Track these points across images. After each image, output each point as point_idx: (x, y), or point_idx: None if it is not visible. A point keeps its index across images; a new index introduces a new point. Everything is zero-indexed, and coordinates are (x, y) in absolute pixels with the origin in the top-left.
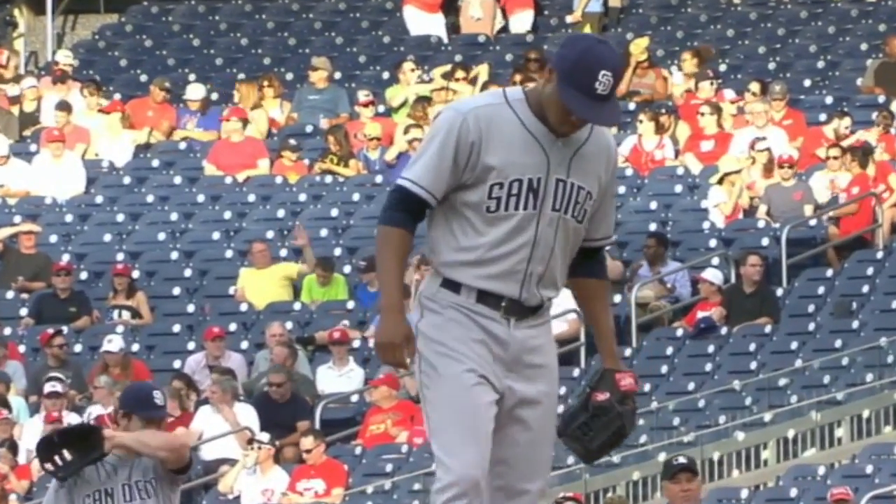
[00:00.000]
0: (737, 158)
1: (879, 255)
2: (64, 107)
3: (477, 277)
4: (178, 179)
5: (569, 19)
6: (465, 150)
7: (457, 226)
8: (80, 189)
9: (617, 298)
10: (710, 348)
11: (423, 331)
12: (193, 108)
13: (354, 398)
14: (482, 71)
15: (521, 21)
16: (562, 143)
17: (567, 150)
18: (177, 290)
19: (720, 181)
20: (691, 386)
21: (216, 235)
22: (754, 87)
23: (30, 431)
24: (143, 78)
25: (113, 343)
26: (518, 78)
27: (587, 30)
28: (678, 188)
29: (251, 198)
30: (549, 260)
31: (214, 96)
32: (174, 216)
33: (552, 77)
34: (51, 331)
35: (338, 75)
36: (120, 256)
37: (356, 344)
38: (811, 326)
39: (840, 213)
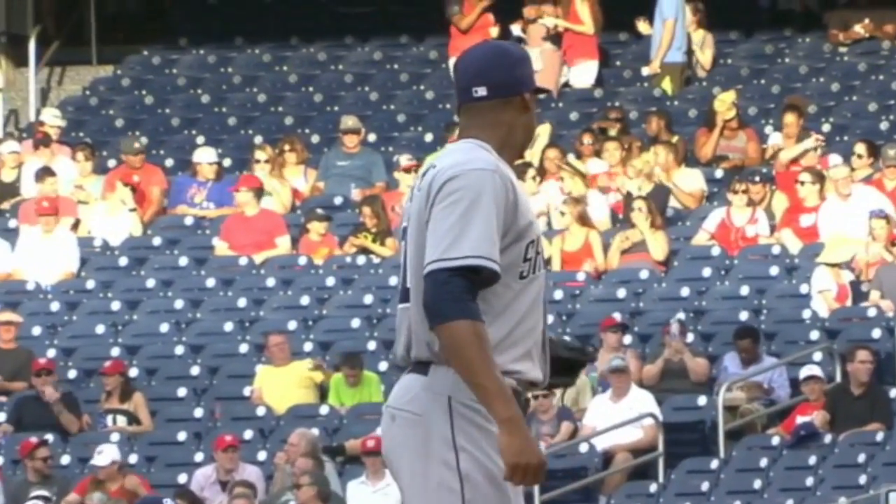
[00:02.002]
0: (845, 238)
1: None
2: (45, 174)
3: (511, 362)
4: (183, 260)
5: (645, 71)
6: (508, 210)
7: (480, 302)
8: (71, 271)
9: (702, 401)
10: (812, 459)
11: (466, 447)
12: (207, 176)
13: None
14: (542, 132)
15: (583, 74)
16: None
17: None
18: (182, 391)
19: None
20: (790, 503)
21: (228, 326)
22: (860, 149)
23: None
24: (143, 141)
25: (103, 455)
26: (588, 139)
27: (666, 83)
28: (774, 270)
29: (270, 282)
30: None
31: (227, 162)
32: (179, 304)
33: (513, 101)
34: (33, 440)
35: (372, 137)
36: (115, 351)
37: None
38: None
39: None
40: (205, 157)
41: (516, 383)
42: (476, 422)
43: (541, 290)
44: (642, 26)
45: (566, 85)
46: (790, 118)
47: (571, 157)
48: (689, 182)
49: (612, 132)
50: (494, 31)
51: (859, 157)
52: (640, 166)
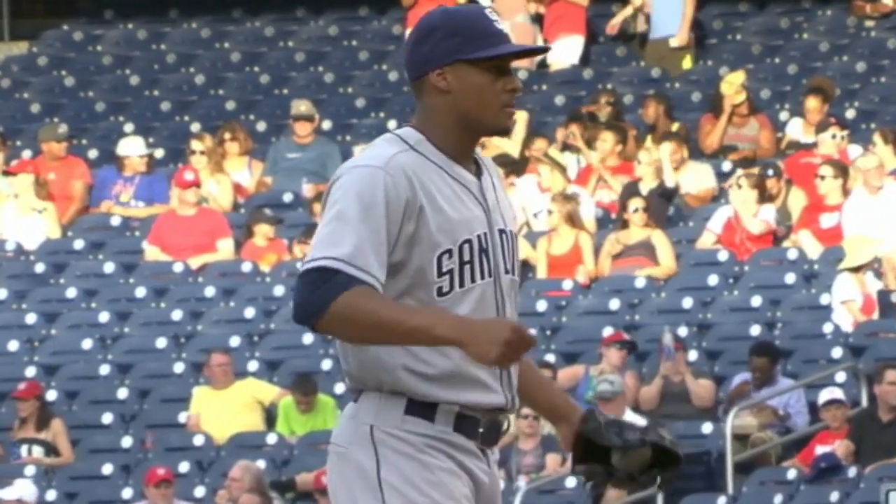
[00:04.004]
0: (868, 239)
1: None
2: None
3: (452, 389)
4: (108, 266)
5: (674, 42)
6: (399, 215)
7: None
8: None
9: (707, 429)
10: (834, 496)
11: (392, 483)
12: (136, 169)
13: None
14: (519, 119)
15: (565, 50)
16: (481, 182)
17: (489, 191)
18: (108, 418)
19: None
20: None
21: (161, 343)
22: (877, 138)
23: None
24: (63, 129)
25: (14, 489)
26: (576, 129)
27: (687, 61)
28: (790, 278)
29: (209, 291)
30: None
31: (159, 153)
32: (104, 316)
33: (448, 77)
34: None
35: (327, 125)
36: (30, 371)
37: None
38: None
39: None
40: (132, 148)
41: (459, 408)
42: (403, 451)
43: (484, 299)
44: None
45: (543, 64)
46: (813, 103)
47: (552, 149)
48: (697, 180)
49: (602, 118)
50: None
51: (873, 144)
52: (655, 156)
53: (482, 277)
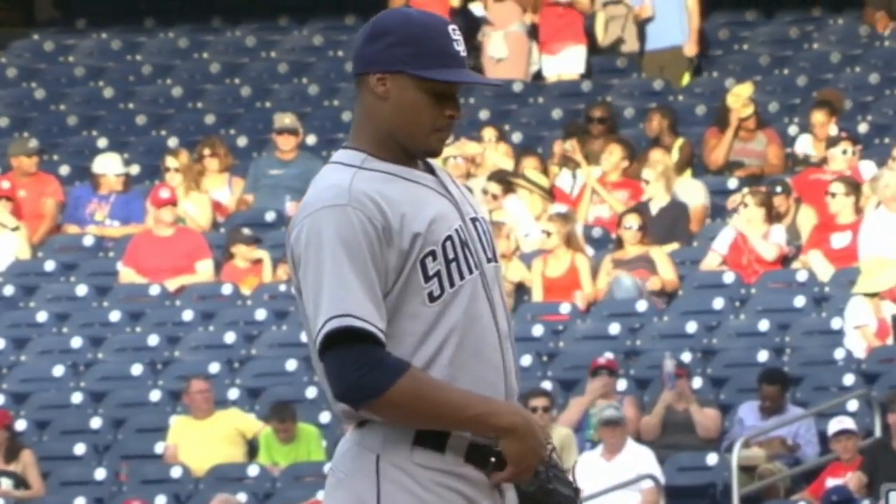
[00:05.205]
0: (886, 260)
1: None
2: None
3: None
4: (81, 289)
5: (688, 49)
6: (381, 248)
7: (393, 346)
8: None
9: (712, 460)
10: None
11: None
12: (112, 188)
13: None
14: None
15: (569, 61)
16: (438, 178)
17: (449, 184)
18: (80, 448)
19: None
20: None
21: (137, 369)
22: None
23: None
24: (33, 143)
25: None
26: (573, 147)
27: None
28: (799, 301)
29: (187, 315)
30: (511, 337)
31: (135, 170)
32: (76, 341)
33: (388, 84)
34: None
35: (311, 140)
36: None
37: None
38: None
39: None
40: (109, 167)
41: (470, 436)
42: (407, 487)
43: (475, 295)
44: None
45: (538, 76)
46: (820, 117)
47: (530, 171)
48: (688, 197)
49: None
50: (456, 2)
51: (894, 159)
52: (661, 170)
53: (469, 272)
